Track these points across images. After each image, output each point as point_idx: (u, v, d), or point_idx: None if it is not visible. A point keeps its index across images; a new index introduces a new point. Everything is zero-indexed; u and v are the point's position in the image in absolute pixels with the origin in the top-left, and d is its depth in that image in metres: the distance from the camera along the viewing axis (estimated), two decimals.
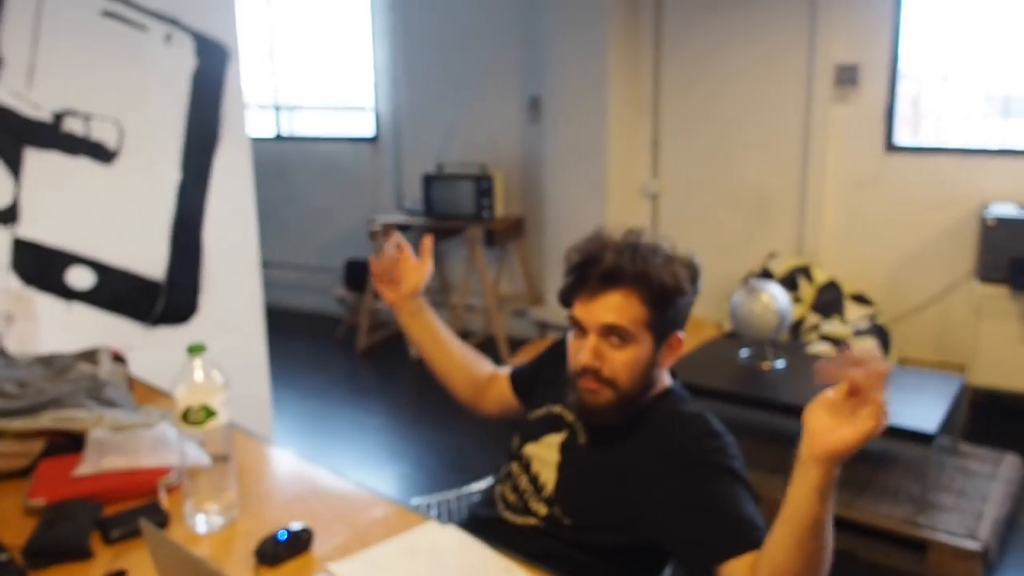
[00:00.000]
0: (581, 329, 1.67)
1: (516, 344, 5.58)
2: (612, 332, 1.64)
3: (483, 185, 5.60)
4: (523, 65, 5.77)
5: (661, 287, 1.63)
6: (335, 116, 7.08)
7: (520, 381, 2.05)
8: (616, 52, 5.26)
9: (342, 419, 4.87)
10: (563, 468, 1.73)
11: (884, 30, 4.71)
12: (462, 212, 5.70)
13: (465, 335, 5.92)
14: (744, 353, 3.98)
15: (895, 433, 3.26)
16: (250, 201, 3.32)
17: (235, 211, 3.26)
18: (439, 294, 6.38)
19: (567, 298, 1.71)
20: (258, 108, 6.91)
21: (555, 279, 5.59)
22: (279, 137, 7.03)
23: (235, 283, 3.29)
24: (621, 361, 1.64)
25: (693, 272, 1.69)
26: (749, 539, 1.45)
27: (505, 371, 2.11)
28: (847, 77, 4.83)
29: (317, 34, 6.87)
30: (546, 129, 5.62)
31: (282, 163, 6.78)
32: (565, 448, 1.75)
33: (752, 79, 5.14)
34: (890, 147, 4.85)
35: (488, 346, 5.92)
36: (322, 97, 7.03)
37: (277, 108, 7.01)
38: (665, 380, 1.77)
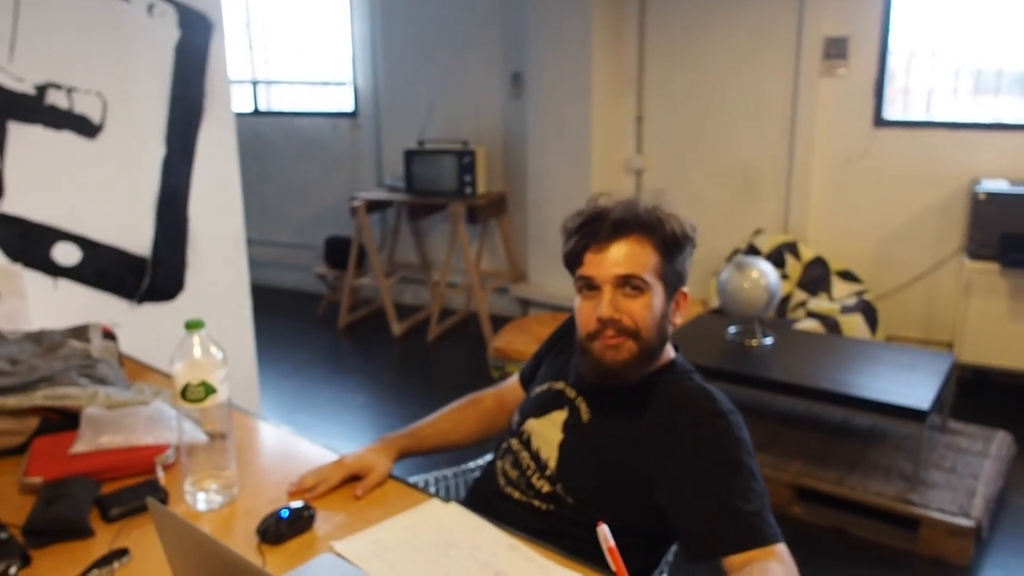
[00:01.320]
0: (592, 287, 1.64)
1: (498, 322, 5.56)
2: (626, 282, 1.61)
3: (465, 161, 5.56)
4: (505, 39, 5.73)
5: (671, 233, 1.62)
6: (314, 91, 7.00)
7: (527, 376, 2.02)
8: (600, 25, 5.22)
9: (325, 397, 4.84)
10: (564, 446, 1.70)
11: (874, 2, 4.69)
12: (444, 188, 5.66)
13: (447, 312, 5.91)
14: (732, 330, 3.98)
15: (887, 410, 3.28)
16: (235, 176, 3.28)
17: (220, 186, 3.22)
18: (421, 271, 6.35)
19: (575, 258, 1.67)
20: (236, 83, 6.82)
21: (538, 256, 5.63)
22: (257, 112, 6.96)
23: (221, 259, 3.24)
24: (639, 308, 1.62)
25: (691, 225, 1.68)
26: (757, 536, 1.44)
27: (513, 378, 2.08)
28: (836, 50, 4.80)
29: (295, 8, 6.79)
30: (529, 104, 5.58)
31: (260, 139, 6.71)
32: (567, 426, 1.73)
33: (739, 52, 5.10)
34: (879, 121, 4.83)
35: (470, 324, 5.90)
36: (301, 72, 6.95)
37: (255, 83, 6.93)
38: (669, 352, 1.75)
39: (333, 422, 4.52)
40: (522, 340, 4.77)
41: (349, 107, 6.54)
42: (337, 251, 6.21)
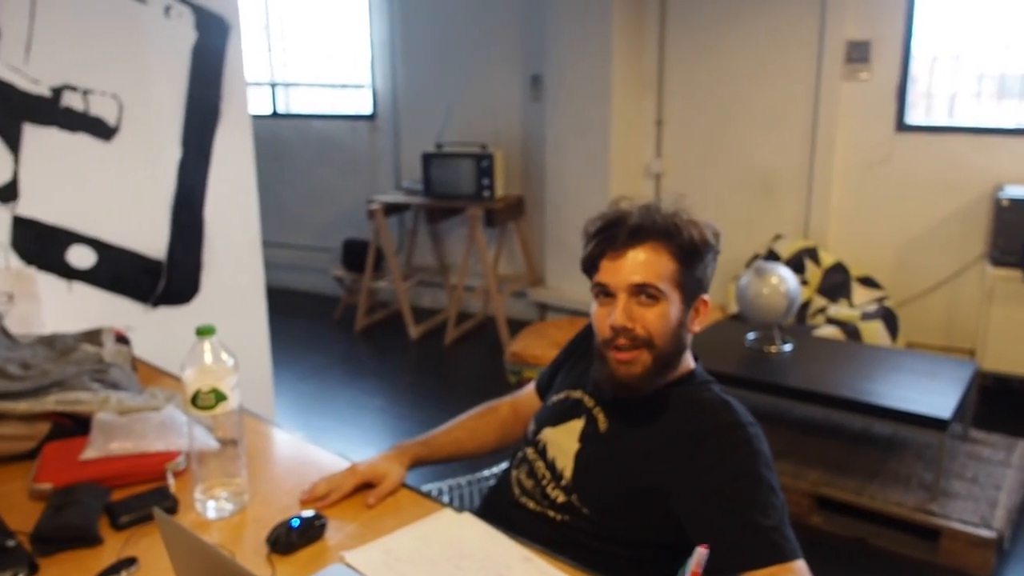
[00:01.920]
0: (607, 294, 1.62)
1: (516, 326, 5.54)
2: (641, 291, 1.58)
3: (483, 164, 5.53)
4: (524, 41, 5.70)
5: (690, 240, 1.59)
6: (332, 94, 7.00)
7: (544, 384, 1.99)
8: (621, 28, 5.19)
9: (342, 400, 4.83)
10: (581, 456, 1.67)
11: (897, 5, 4.63)
12: (462, 191, 5.63)
13: (464, 316, 5.90)
14: (751, 336, 3.94)
15: (908, 419, 3.24)
16: (251, 179, 3.26)
17: (236, 189, 3.20)
18: (438, 274, 6.33)
19: (592, 263, 1.65)
20: (254, 85, 6.82)
21: (556, 260, 5.61)
22: (275, 115, 6.96)
23: (237, 262, 3.23)
24: (653, 317, 1.59)
25: (714, 231, 1.64)
26: (776, 552, 1.41)
27: (530, 387, 2.05)
28: (858, 54, 4.74)
29: (314, 10, 6.79)
30: (548, 107, 5.56)
31: (279, 141, 6.71)
32: (584, 436, 1.70)
33: (760, 55, 5.06)
34: (901, 126, 4.77)
35: (487, 327, 5.88)
36: (319, 74, 6.95)
37: (273, 85, 6.93)
38: (689, 362, 1.72)
39: (349, 425, 4.51)
40: (539, 345, 4.75)
41: (367, 110, 6.53)
42: (354, 254, 6.20)
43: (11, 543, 1.46)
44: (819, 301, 4.73)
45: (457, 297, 5.76)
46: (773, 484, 1.49)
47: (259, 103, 6.83)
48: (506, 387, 4.43)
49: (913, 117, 4.78)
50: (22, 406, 1.83)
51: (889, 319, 4.46)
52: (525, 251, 5.97)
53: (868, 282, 4.79)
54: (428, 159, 5.69)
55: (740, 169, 5.25)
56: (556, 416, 1.77)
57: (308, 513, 1.56)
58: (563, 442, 1.71)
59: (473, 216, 5.46)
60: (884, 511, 3.24)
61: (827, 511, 3.37)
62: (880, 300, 4.67)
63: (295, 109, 7.05)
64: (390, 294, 6.28)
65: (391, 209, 5.87)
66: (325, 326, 6.17)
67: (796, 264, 4.74)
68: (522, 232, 5.95)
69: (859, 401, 3.35)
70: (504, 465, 1.91)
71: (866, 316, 4.46)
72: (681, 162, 5.45)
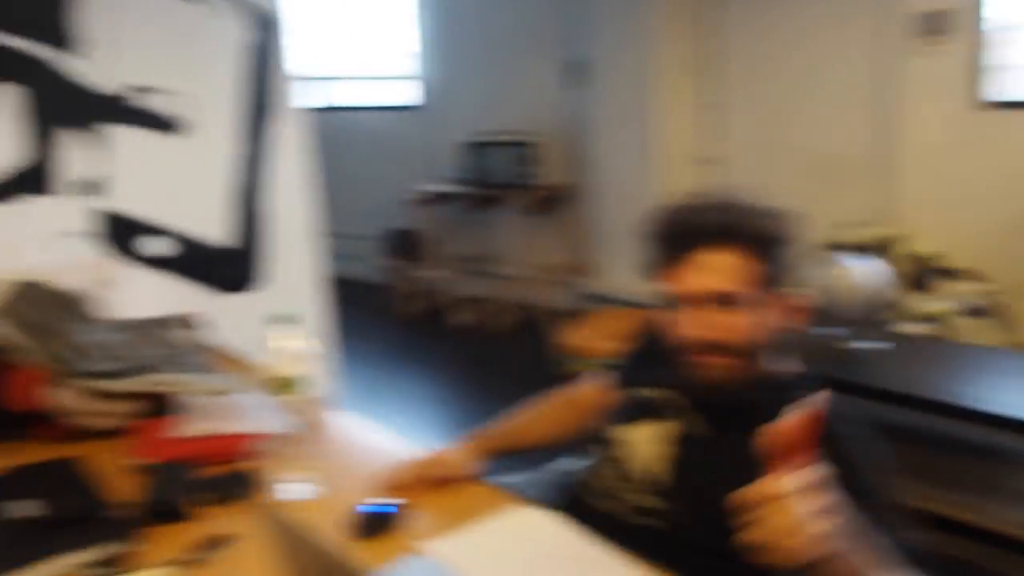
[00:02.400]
0: (681, 302, 1.51)
1: (562, 316, 5.50)
2: (718, 298, 1.47)
3: (527, 152, 5.54)
4: (568, 27, 5.64)
5: (767, 235, 1.49)
6: (376, 86, 7.06)
7: (614, 377, 1.85)
8: (670, 9, 5.12)
9: (388, 389, 4.82)
10: (673, 460, 1.57)
11: None
12: (506, 180, 5.65)
13: (509, 305, 5.87)
14: (826, 332, 3.75)
15: None
16: (311, 169, 3.44)
17: (297, 180, 3.37)
18: (483, 263, 6.31)
19: (659, 269, 1.54)
20: (302, 78, 6.87)
21: (603, 249, 5.55)
22: (322, 108, 6.99)
23: (302, 251, 3.40)
24: (739, 323, 1.48)
25: (790, 218, 1.54)
26: (886, 568, 1.28)
27: (597, 378, 1.94)
28: (934, 26, 4.40)
29: (358, 2, 6.87)
30: (594, 93, 5.50)
31: (326, 134, 6.72)
32: (677, 439, 1.59)
33: (823, 32, 4.79)
34: (984, 103, 4.39)
35: (533, 317, 5.84)
36: (364, 67, 7.03)
37: (320, 79, 7.00)
38: (789, 361, 1.61)
39: (398, 414, 4.49)
40: (586, 335, 4.71)
41: (411, 100, 6.57)
42: (400, 243, 6.23)
43: (106, 515, 1.52)
44: (904, 295, 4.43)
45: (502, 286, 5.74)
46: (891, 499, 1.42)
47: (307, 96, 6.87)
48: (552, 378, 4.41)
49: (999, 92, 4.37)
50: (121, 385, 1.92)
51: (990, 315, 4.17)
52: (570, 240, 5.92)
53: (961, 274, 4.43)
54: (471, 148, 5.71)
55: (804, 153, 5.00)
56: (641, 414, 1.66)
57: (386, 500, 1.55)
58: (652, 444, 1.61)
59: (518, 205, 5.44)
60: (1003, 532, 2.91)
61: (938, 531, 2.90)
62: (979, 294, 4.33)
63: (341, 102, 7.12)
64: (435, 283, 6.28)
65: (436, 198, 5.88)
66: (370, 314, 6.16)
67: (874, 254, 4.41)
68: (567, 221, 5.90)
69: (977, 410, 2.95)
70: (576, 459, 1.81)
71: (963, 312, 4.17)
72: (738, 147, 5.26)
